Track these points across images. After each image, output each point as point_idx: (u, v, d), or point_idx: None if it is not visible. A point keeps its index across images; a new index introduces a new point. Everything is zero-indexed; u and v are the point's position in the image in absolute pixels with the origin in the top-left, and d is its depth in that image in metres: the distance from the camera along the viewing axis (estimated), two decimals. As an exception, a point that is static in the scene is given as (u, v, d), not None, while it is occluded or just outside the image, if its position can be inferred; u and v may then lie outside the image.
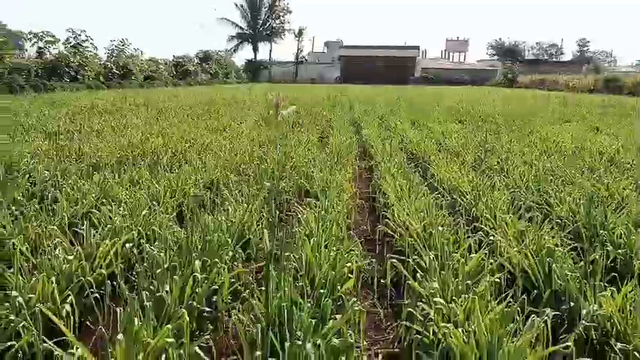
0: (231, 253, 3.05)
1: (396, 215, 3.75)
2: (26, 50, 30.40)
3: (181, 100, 17.94)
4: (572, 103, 19.77)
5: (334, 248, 3.08)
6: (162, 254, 2.88)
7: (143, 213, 3.65)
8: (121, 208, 3.81)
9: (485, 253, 3.06)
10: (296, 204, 4.81)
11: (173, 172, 5.37)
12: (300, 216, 3.82)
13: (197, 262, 2.72)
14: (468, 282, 2.59)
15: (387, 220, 3.85)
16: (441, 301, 2.37)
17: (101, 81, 29.44)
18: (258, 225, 3.69)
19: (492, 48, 76.28)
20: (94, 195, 4.21)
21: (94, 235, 3.15)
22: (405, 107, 15.64)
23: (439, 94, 26.42)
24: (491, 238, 3.43)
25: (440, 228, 3.41)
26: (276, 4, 60.22)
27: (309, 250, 2.96)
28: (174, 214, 4.12)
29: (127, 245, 3.12)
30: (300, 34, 61.41)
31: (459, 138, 8.68)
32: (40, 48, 29.22)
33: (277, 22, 60.85)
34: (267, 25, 60.59)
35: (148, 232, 3.44)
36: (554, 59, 72.06)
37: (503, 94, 29.27)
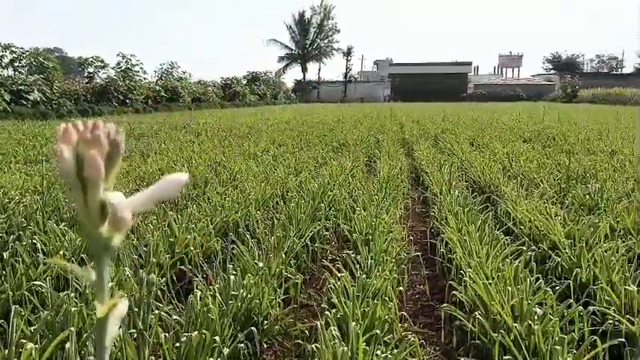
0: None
1: (468, 288, 2.61)
2: (78, 76, 30.76)
3: (222, 121, 17.22)
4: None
5: (379, 351, 1.99)
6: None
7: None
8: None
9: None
10: (332, 255, 3.76)
11: (182, 211, 4.39)
12: (331, 284, 2.73)
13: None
14: None
15: (454, 291, 2.72)
16: None
17: (149, 104, 29.30)
18: (273, 300, 2.64)
19: (549, 62, 73.56)
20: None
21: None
22: (462, 125, 14.36)
23: (494, 110, 24.87)
24: (619, 325, 2.25)
25: (537, 310, 2.26)
26: (325, 23, 59.79)
27: None
28: (167, 278, 3.10)
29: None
30: (348, 53, 60.65)
31: (529, 161, 7.41)
32: (89, 73, 29.44)
33: (326, 41, 60.35)
34: (316, 45, 60.13)
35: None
36: (614, 72, 68.60)
37: (565, 109, 27.37)
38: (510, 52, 72.38)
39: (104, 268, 0.39)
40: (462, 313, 2.49)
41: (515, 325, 2.15)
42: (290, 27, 60.00)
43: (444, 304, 2.61)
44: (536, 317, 2.20)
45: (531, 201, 4.58)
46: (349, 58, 60.96)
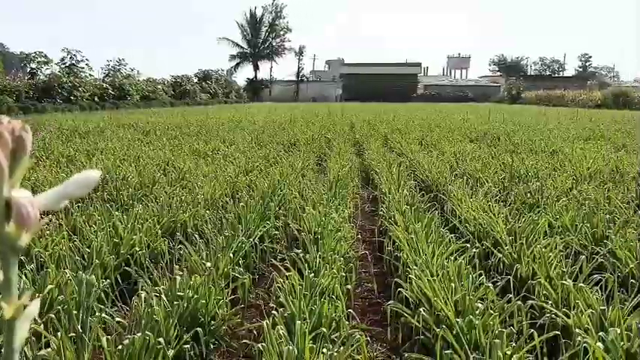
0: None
1: (414, 285, 2.66)
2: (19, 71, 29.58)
3: (170, 119, 16.91)
4: (584, 118, 18.70)
5: (325, 349, 2.00)
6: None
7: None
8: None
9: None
10: (282, 254, 3.75)
11: (129, 211, 4.28)
12: (279, 284, 2.73)
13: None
14: None
15: (400, 288, 2.76)
16: None
17: (96, 102, 28.46)
18: (220, 300, 2.61)
19: (495, 64, 75.58)
20: None
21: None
22: (411, 125, 14.59)
23: (443, 111, 25.40)
24: (556, 319, 2.34)
25: (479, 305, 2.33)
26: (276, 22, 59.59)
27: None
28: (112, 280, 3.02)
29: None
30: (300, 52, 60.72)
31: (475, 160, 7.61)
32: (32, 69, 28.37)
33: (277, 40, 60.16)
34: (268, 43, 59.84)
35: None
36: (556, 75, 71.19)
37: (509, 110, 28.23)
38: (459, 54, 74.13)
39: (11, 268, 0.38)
40: (407, 310, 2.53)
41: (458, 320, 2.21)
42: (242, 25, 59.52)
43: (390, 301, 2.65)
44: (477, 312, 2.26)
45: (476, 199, 4.70)
46: (301, 57, 61.09)
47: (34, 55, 28.60)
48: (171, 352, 2.07)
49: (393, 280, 3.04)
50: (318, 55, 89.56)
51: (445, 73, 73.01)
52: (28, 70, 28.77)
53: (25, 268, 2.83)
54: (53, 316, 2.22)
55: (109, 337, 2.08)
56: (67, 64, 30.05)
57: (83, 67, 30.80)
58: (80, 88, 27.85)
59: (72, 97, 27.24)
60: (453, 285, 2.50)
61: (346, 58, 67.47)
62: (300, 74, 61.64)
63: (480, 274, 2.83)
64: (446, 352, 2.00)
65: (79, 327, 2.06)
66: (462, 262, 2.89)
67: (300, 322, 2.08)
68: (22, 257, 3.16)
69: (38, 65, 28.65)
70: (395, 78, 58.10)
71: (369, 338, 2.60)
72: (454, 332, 2.12)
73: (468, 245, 3.49)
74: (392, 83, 57.23)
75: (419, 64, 63.44)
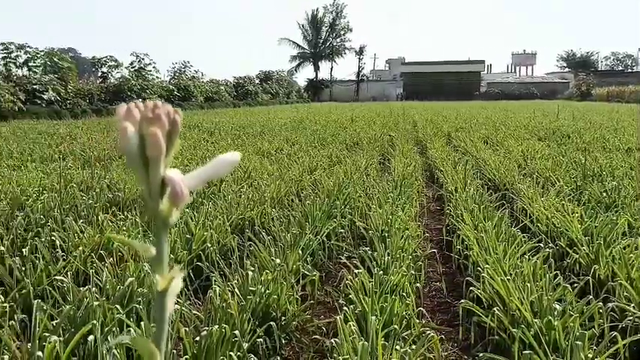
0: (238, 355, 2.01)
1: (486, 284, 2.60)
2: (92, 76, 30.98)
3: (233, 120, 17.26)
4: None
5: (397, 346, 1.99)
6: None
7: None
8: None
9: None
10: (348, 252, 3.76)
11: (199, 209, 4.40)
12: (349, 281, 2.74)
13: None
14: None
15: (471, 287, 2.71)
16: None
17: (163, 103, 29.37)
18: (290, 296, 2.65)
19: (563, 60, 72.89)
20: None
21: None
22: (475, 124, 14.28)
23: (509, 109, 24.72)
24: (639, 322, 2.24)
25: (556, 306, 2.25)
26: (337, 22, 59.71)
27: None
28: (185, 274, 3.12)
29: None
30: (360, 52, 60.53)
31: (544, 159, 7.36)
32: (103, 73, 29.66)
33: (338, 40, 60.24)
34: (328, 43, 60.05)
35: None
36: (629, 70, 67.83)
37: (579, 107, 27.15)
38: (524, 51, 71.84)
39: (163, 242, 0.40)
40: (480, 309, 2.48)
41: (535, 320, 2.14)
42: (303, 26, 59.97)
43: (462, 300, 2.61)
44: (555, 313, 2.19)
45: (548, 199, 4.55)
46: (361, 57, 60.84)
47: (105, 59, 29.86)
48: (245, 345, 2.12)
49: (463, 279, 2.99)
50: (379, 55, 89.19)
51: (510, 71, 70.96)
52: (100, 74, 30.09)
53: (106, 262, 2.96)
54: (137, 306, 2.32)
55: (187, 329, 2.15)
56: (135, 68, 31.20)
57: (150, 70, 31.91)
58: (148, 90, 28.89)
59: (140, 99, 28.21)
60: (528, 285, 2.43)
61: (407, 57, 66.81)
62: (361, 74, 61.47)
63: (556, 275, 2.74)
64: (524, 352, 1.95)
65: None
66: (536, 262, 2.80)
67: (375, 317, 2.08)
68: (101, 251, 3.31)
69: (109, 69, 29.90)
70: (457, 76, 57.04)
71: (441, 336, 2.57)
72: (532, 333, 2.06)
73: (541, 245, 3.38)
74: (454, 81, 56.23)
75: (482, 62, 61.90)
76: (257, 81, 45.80)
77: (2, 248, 3.23)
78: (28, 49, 24.68)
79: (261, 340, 2.29)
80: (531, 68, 70.98)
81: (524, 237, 3.57)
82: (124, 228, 3.75)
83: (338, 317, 2.17)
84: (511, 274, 2.68)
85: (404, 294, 2.54)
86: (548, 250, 3.24)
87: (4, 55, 23.86)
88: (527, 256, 3.05)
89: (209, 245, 3.48)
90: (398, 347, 2.01)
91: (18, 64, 24.31)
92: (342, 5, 59.16)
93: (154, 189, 0.38)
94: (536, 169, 6.55)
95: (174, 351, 2.05)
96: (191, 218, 3.94)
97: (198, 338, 2.05)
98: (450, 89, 53.82)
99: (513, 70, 71.00)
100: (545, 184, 5.52)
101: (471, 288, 2.72)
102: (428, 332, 2.25)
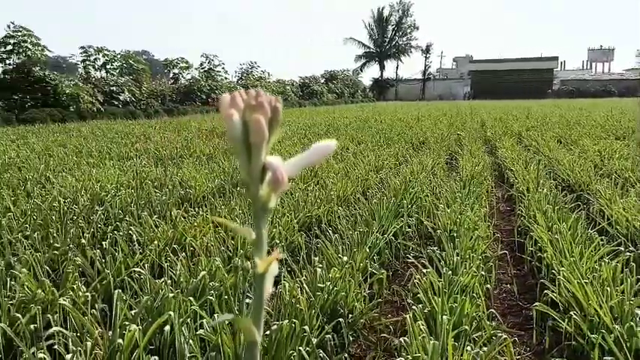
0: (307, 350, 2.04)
1: (562, 287, 2.51)
2: (164, 77, 32.13)
3: (299, 119, 17.43)
4: None
5: (468, 347, 1.96)
6: None
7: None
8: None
9: None
10: (415, 251, 3.72)
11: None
12: (417, 280, 2.71)
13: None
14: None
15: (545, 290, 2.62)
16: None
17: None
18: (358, 293, 2.65)
19: (643, 55, 69.02)
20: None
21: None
22: (548, 123, 13.78)
23: (583, 107, 23.70)
24: None
25: (638, 312, 2.14)
26: (403, 21, 59.19)
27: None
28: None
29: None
30: (427, 50, 59.78)
31: (623, 159, 7.01)
32: (175, 74, 30.70)
33: (404, 39, 59.72)
34: (394, 42, 59.62)
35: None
36: None
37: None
38: (601, 46, 68.66)
39: (262, 226, 0.41)
40: (555, 313, 2.40)
41: (616, 326, 2.04)
42: (368, 25, 59.85)
43: (536, 303, 2.52)
44: (638, 319, 2.08)
45: (628, 200, 4.33)
46: (428, 55, 60.06)
47: (176, 60, 30.89)
48: (314, 341, 2.14)
49: (536, 282, 2.90)
50: (446, 53, 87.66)
51: (585, 67, 67.94)
52: (171, 75, 31.17)
53: (179, 256, 3.07)
54: (210, 298, 2.39)
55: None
56: (205, 69, 32.09)
57: (219, 71, 32.74)
58: (217, 91, 29.66)
59: (210, 100, 29.10)
60: (608, 289, 2.32)
61: (475, 54, 65.31)
62: (427, 72, 60.64)
63: (638, 280, 2.60)
64: (604, 359, 1.86)
65: (236, 310, 2.20)
66: (616, 266, 2.67)
67: (445, 317, 2.05)
68: (174, 246, 3.43)
69: (180, 70, 30.91)
70: (528, 73, 55.24)
71: (514, 339, 2.50)
72: (612, 338, 1.97)
73: (621, 248, 3.22)
74: (524, 79, 54.51)
75: (555, 58, 59.60)
76: (322, 81, 46.11)
77: (84, 241, 3.41)
78: (106, 52, 25.87)
79: (330, 336, 2.30)
80: (608, 65, 67.76)
81: (601, 240, 3.42)
82: (195, 224, 3.87)
83: (407, 316, 2.15)
84: (588, 278, 2.57)
85: (474, 295, 2.49)
86: (628, 253, 3.09)
87: (84, 57, 25.13)
88: (605, 260, 2.91)
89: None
90: (469, 348, 1.97)
91: (97, 66, 25.56)
92: (409, 4, 58.63)
93: (255, 175, 0.40)
94: (615, 169, 6.25)
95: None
96: (259, 215, 4.01)
97: (268, 332, 2.09)
98: (520, 87, 52.22)
99: (589, 67, 67.97)
100: (624, 185, 5.26)
101: (545, 291, 2.63)
102: (499, 334, 2.20)
